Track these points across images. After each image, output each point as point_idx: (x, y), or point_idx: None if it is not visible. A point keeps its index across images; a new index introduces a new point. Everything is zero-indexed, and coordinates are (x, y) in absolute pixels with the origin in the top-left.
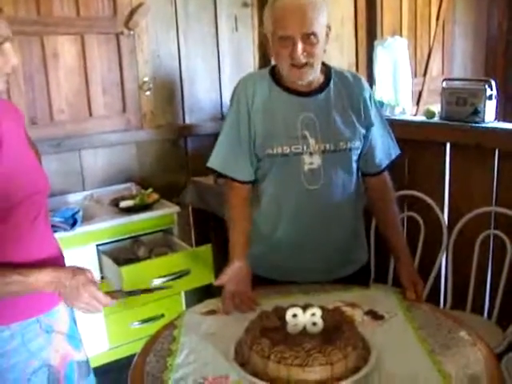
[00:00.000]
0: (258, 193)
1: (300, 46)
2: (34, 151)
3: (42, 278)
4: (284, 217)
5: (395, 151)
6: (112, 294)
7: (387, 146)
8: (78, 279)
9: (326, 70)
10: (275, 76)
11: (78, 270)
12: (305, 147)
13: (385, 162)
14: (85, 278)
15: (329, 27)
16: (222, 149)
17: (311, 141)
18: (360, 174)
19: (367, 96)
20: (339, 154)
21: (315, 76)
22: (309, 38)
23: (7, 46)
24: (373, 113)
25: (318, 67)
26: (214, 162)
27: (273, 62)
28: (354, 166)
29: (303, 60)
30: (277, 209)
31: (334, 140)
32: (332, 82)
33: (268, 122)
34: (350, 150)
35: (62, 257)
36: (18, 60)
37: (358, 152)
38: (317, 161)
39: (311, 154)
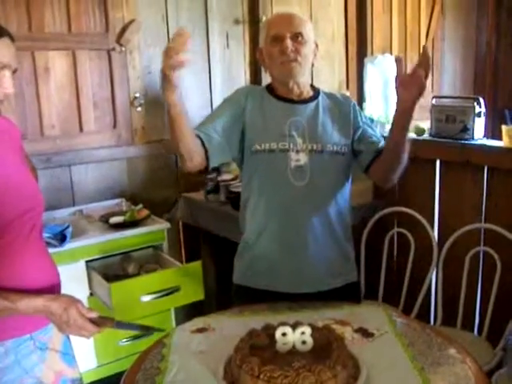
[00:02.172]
0: (245, 197)
1: (289, 41)
2: (30, 167)
3: (32, 307)
4: (271, 215)
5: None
6: (102, 319)
7: (378, 135)
8: (69, 314)
9: (315, 89)
10: (270, 89)
11: (69, 305)
12: (291, 145)
13: (382, 142)
14: (76, 313)
15: (316, 44)
16: (208, 117)
17: (298, 140)
18: (365, 169)
19: (356, 110)
20: (327, 154)
21: (304, 81)
22: (297, 37)
23: (5, 73)
24: (360, 119)
25: (306, 69)
26: (198, 125)
27: (263, 78)
28: (341, 171)
29: (292, 55)
30: (264, 207)
31: (322, 142)
32: (321, 97)
33: (258, 121)
34: (337, 153)
35: (56, 276)
36: (12, 90)
37: (345, 158)
38: (303, 158)
39: (298, 151)
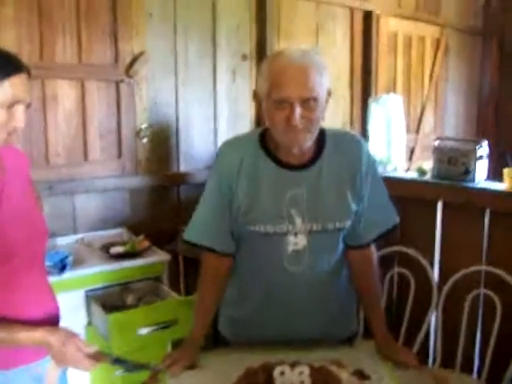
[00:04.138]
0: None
1: (298, 110)
2: (35, 196)
3: (31, 338)
4: (262, 299)
5: (388, 224)
6: (100, 355)
7: (378, 218)
8: (67, 348)
9: (320, 134)
10: (265, 144)
11: (67, 339)
12: (290, 227)
13: (371, 236)
14: (73, 348)
15: (329, 92)
16: (200, 219)
17: (298, 220)
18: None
19: (364, 163)
20: (326, 234)
21: (310, 143)
22: (308, 102)
23: (19, 107)
24: (369, 180)
25: (315, 133)
26: (190, 233)
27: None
28: (341, 244)
29: (300, 126)
30: (253, 288)
31: (322, 220)
32: (326, 149)
33: (253, 197)
34: (339, 230)
35: (56, 307)
36: (23, 125)
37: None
38: (302, 241)
39: (296, 233)
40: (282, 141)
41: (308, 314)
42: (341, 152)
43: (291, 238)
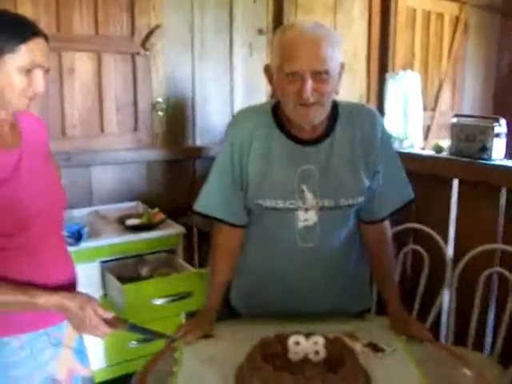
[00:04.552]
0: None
1: (309, 83)
2: (54, 165)
3: (50, 303)
4: (273, 275)
5: (404, 199)
6: (117, 321)
7: (394, 193)
8: (85, 313)
9: (333, 107)
10: (278, 116)
11: (86, 303)
12: (300, 202)
13: (386, 212)
14: (92, 313)
15: (342, 65)
16: (211, 190)
17: (308, 195)
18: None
19: (378, 138)
20: (338, 210)
21: (322, 118)
22: (320, 75)
23: (38, 73)
24: (383, 156)
25: (327, 107)
26: (202, 204)
27: None
28: (353, 219)
29: (312, 99)
30: (265, 264)
31: (335, 196)
32: (339, 123)
33: (264, 170)
34: (351, 206)
35: (74, 273)
36: (43, 90)
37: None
38: (312, 217)
39: (307, 209)
40: (292, 116)
41: (320, 287)
42: (354, 126)
43: (301, 214)
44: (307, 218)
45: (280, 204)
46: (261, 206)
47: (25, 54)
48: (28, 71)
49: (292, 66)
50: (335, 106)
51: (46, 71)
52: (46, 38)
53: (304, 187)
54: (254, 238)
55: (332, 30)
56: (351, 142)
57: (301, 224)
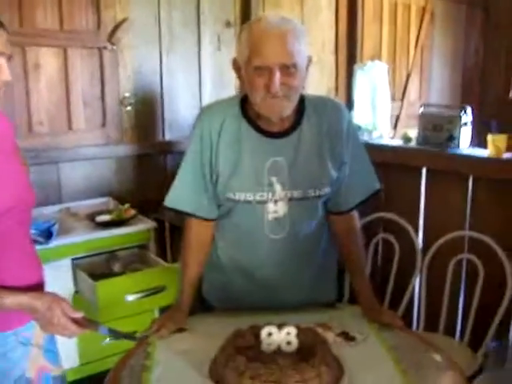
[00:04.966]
0: (215, 233)
1: (278, 76)
2: (22, 162)
3: (17, 303)
4: (244, 268)
5: (371, 189)
6: (87, 321)
7: (360, 184)
8: (53, 313)
9: (299, 101)
10: (246, 110)
11: (54, 303)
12: (270, 195)
13: (352, 203)
14: (60, 313)
15: (310, 59)
16: (181, 185)
17: (277, 187)
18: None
19: (345, 129)
20: (306, 201)
21: (290, 112)
22: (288, 68)
23: (1, 61)
24: (350, 147)
25: (295, 101)
26: (172, 199)
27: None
28: (321, 210)
29: (280, 92)
30: (235, 257)
31: (303, 187)
32: (305, 116)
33: (233, 163)
34: (319, 197)
35: (41, 274)
36: (10, 77)
37: (325, 198)
38: (282, 209)
39: (276, 201)
40: (261, 109)
41: (290, 278)
42: (321, 119)
43: (271, 206)
44: (277, 209)
45: (250, 197)
46: (231, 199)
47: None
48: None
49: (260, 59)
50: (302, 99)
51: (9, 58)
52: (2, 24)
53: (273, 179)
54: (224, 231)
55: (298, 23)
56: (318, 134)
57: (271, 216)
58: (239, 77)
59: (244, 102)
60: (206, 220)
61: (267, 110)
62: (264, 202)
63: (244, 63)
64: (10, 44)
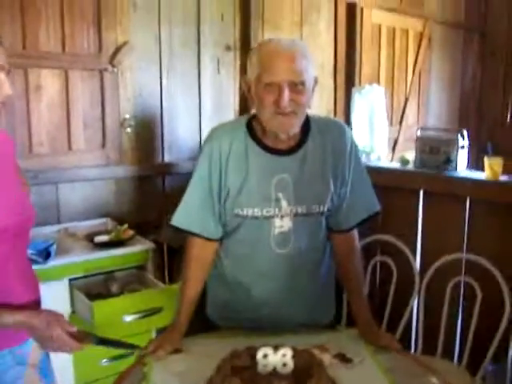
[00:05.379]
0: (219, 251)
1: (287, 93)
2: (23, 182)
3: (13, 321)
4: (249, 280)
5: (371, 210)
6: (83, 335)
7: (361, 204)
8: (52, 329)
9: (305, 120)
10: (252, 130)
11: (52, 320)
12: (277, 210)
13: (353, 221)
14: (59, 329)
15: (316, 79)
16: (188, 205)
17: (284, 203)
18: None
19: (348, 148)
20: (310, 217)
21: (297, 129)
22: (296, 86)
23: (1, 76)
24: (352, 168)
25: (302, 118)
26: (178, 219)
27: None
28: (324, 226)
29: (289, 108)
30: (241, 272)
31: (307, 203)
32: (311, 135)
33: (241, 181)
34: (322, 213)
35: (38, 292)
36: (11, 91)
37: (327, 214)
38: (287, 224)
39: (282, 216)
40: (270, 126)
41: (293, 294)
42: (325, 138)
43: (277, 221)
44: (282, 224)
45: (258, 212)
46: (239, 215)
47: None
48: None
49: (270, 76)
50: (307, 119)
51: (8, 73)
52: None
53: (280, 195)
54: (230, 248)
55: (305, 45)
56: (323, 153)
57: (277, 230)
58: (249, 95)
59: (250, 123)
60: (210, 240)
61: (276, 127)
62: (271, 217)
63: (254, 81)
64: (7, 59)
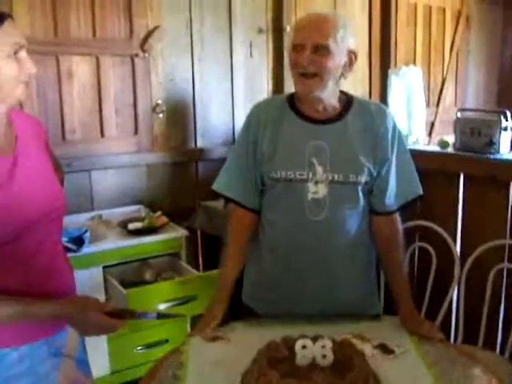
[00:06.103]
0: (258, 226)
1: (307, 53)
2: (55, 168)
3: (49, 312)
4: (284, 252)
5: (414, 192)
6: (123, 312)
7: (403, 186)
8: (89, 313)
9: (347, 99)
10: (292, 101)
11: (87, 304)
12: (310, 175)
13: (395, 204)
14: (95, 312)
15: (354, 54)
16: (229, 172)
17: (319, 169)
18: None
19: (389, 132)
20: (347, 186)
21: (326, 96)
22: (321, 49)
23: (23, 53)
24: (393, 150)
25: (328, 84)
26: (220, 184)
27: (286, 88)
28: (362, 200)
29: (309, 69)
30: (277, 242)
31: (344, 171)
32: (351, 111)
33: (275, 144)
34: (359, 183)
35: (73, 281)
36: (35, 68)
37: (365, 188)
38: (322, 190)
39: (317, 182)
40: (296, 88)
41: (332, 271)
42: (366, 117)
43: (311, 186)
44: (317, 190)
45: (291, 175)
46: (273, 178)
47: (6, 38)
48: (14, 55)
49: (297, 38)
50: (351, 99)
51: (27, 49)
52: (12, 18)
53: (314, 160)
54: (266, 219)
55: (344, 17)
56: (362, 128)
57: (310, 196)
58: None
59: (292, 97)
60: (248, 209)
61: (299, 87)
62: (304, 181)
63: (289, 48)
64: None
